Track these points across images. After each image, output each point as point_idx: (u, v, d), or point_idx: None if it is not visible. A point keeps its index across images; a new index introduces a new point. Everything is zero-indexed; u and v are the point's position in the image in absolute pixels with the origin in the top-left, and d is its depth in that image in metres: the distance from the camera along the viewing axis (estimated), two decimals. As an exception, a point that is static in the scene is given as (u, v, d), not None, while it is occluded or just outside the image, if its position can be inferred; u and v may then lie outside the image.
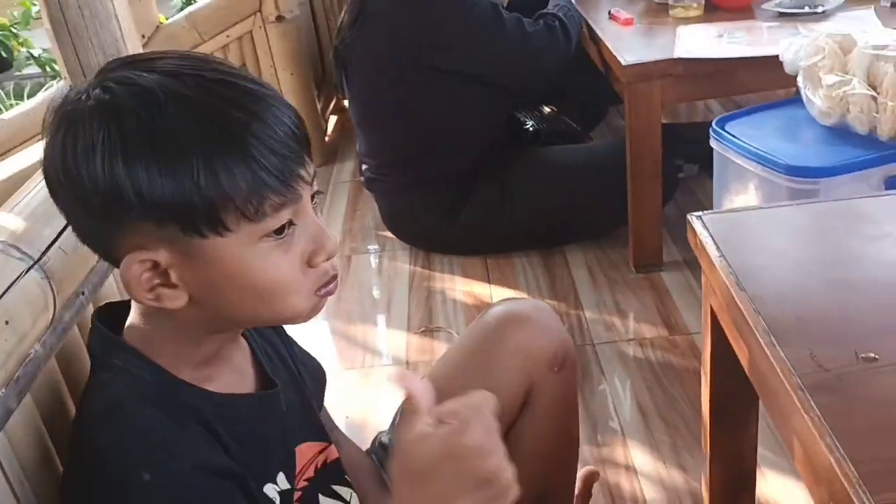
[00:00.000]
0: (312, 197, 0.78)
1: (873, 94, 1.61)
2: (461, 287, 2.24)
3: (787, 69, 1.77)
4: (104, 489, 0.73)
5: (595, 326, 2.02)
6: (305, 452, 0.91)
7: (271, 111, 0.72)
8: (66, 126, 0.71)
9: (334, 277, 0.80)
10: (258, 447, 0.83)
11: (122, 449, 0.73)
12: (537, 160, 2.34)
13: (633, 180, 2.09)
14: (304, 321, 0.82)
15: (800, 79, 1.74)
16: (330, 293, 0.80)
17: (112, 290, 1.09)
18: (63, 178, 0.71)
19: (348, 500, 0.94)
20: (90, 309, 1.02)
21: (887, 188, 1.60)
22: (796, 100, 1.80)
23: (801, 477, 1.43)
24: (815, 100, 1.69)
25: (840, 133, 1.69)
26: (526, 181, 2.28)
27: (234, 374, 0.85)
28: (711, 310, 1.19)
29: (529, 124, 2.48)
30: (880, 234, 1.10)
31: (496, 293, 2.19)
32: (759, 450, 1.37)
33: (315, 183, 0.78)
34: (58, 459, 0.90)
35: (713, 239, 1.10)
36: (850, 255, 1.07)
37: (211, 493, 0.73)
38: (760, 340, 0.91)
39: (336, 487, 0.93)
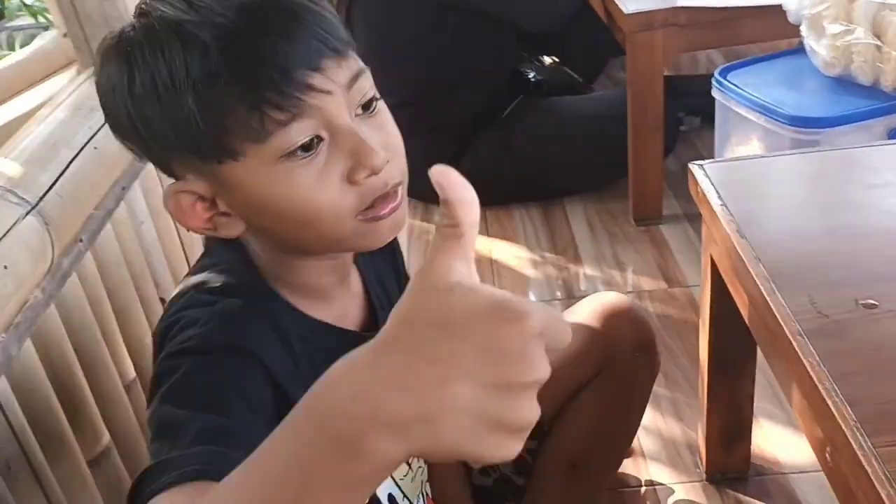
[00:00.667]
0: (368, 105, 0.72)
1: (878, 43, 1.59)
2: (460, 240, 2.24)
3: (791, 18, 1.74)
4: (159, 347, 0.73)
5: (594, 279, 2.02)
6: None
7: (288, 24, 0.67)
8: (100, 63, 0.73)
9: (386, 197, 0.72)
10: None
11: (177, 317, 0.72)
12: (539, 111, 2.32)
13: (634, 132, 2.08)
14: (367, 248, 0.77)
15: (804, 28, 1.71)
16: (380, 216, 0.72)
17: (111, 237, 1.09)
18: (104, 112, 0.75)
19: (409, 462, 0.91)
20: (89, 256, 1.02)
21: (890, 139, 1.59)
22: (800, 50, 1.78)
23: (796, 427, 1.45)
24: (819, 49, 1.67)
25: (843, 83, 1.67)
26: (527, 132, 2.26)
27: (334, 311, 0.81)
28: (711, 259, 1.19)
29: (531, 75, 2.45)
30: (881, 183, 1.10)
31: (495, 246, 2.19)
32: (756, 401, 1.38)
33: (358, 85, 0.70)
34: (59, 406, 0.91)
35: (714, 187, 1.10)
36: (850, 204, 1.07)
37: (238, 372, 0.69)
38: (761, 287, 0.91)
39: None
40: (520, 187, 2.30)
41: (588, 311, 1.11)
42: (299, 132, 0.67)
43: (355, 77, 0.70)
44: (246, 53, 0.66)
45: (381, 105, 0.74)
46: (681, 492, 1.43)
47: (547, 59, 2.56)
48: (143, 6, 0.71)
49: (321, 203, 0.70)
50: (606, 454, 1.21)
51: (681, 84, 2.49)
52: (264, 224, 0.74)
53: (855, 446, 0.69)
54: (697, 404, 1.43)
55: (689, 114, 2.49)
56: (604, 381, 1.10)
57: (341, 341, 0.79)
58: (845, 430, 0.71)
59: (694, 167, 1.15)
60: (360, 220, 0.72)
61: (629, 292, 1.95)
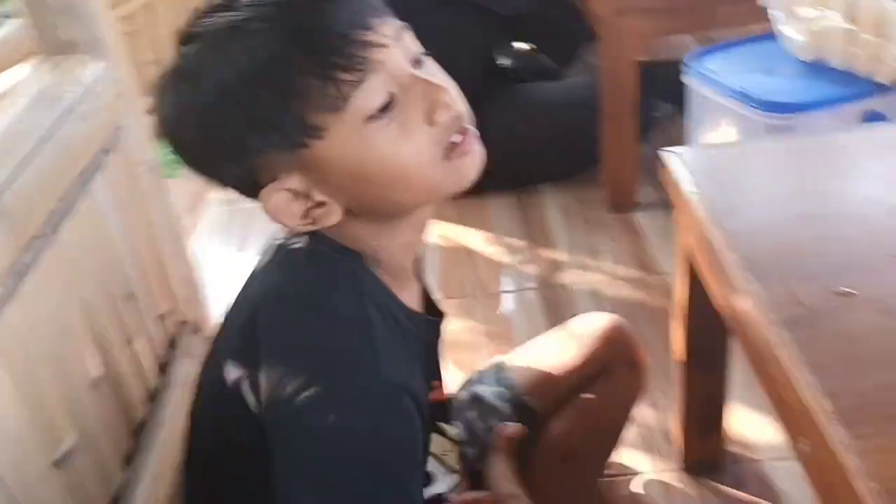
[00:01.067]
0: (418, 61, 0.75)
1: (852, 28, 1.58)
2: (434, 229, 2.22)
3: (765, 2, 1.74)
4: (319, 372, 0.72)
5: (569, 267, 2.01)
6: (435, 386, 0.92)
7: None
8: (159, 99, 0.74)
9: (463, 132, 0.75)
10: (420, 366, 0.83)
11: (346, 340, 0.73)
12: (514, 98, 2.30)
13: (607, 119, 2.06)
14: (457, 189, 0.79)
15: (778, 12, 1.71)
16: (464, 151, 0.75)
17: (74, 231, 1.06)
18: (177, 149, 0.75)
19: (451, 437, 0.97)
20: (51, 251, 0.99)
21: (864, 123, 1.59)
22: (773, 34, 1.77)
23: (770, 414, 1.44)
24: (793, 34, 1.67)
25: (817, 68, 1.67)
26: (501, 119, 2.24)
27: (414, 294, 0.85)
28: (685, 247, 1.18)
29: (505, 62, 2.44)
30: (856, 169, 1.09)
31: (470, 235, 2.17)
32: (732, 388, 1.38)
33: (405, 41, 0.74)
34: (22, 405, 0.88)
35: (687, 175, 1.09)
36: (826, 190, 1.06)
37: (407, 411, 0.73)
38: (735, 277, 0.90)
39: (442, 424, 0.95)
40: (494, 175, 2.22)
41: (585, 329, 1.19)
42: (372, 91, 0.70)
43: (400, 32, 0.74)
44: (303, 28, 0.69)
45: (429, 59, 0.78)
46: (657, 479, 1.43)
47: (522, 46, 2.55)
48: (186, 32, 0.73)
49: (412, 155, 0.73)
50: (596, 451, 1.26)
51: (654, 70, 2.48)
52: (362, 198, 0.75)
53: (833, 439, 0.68)
54: (672, 391, 1.43)
55: (664, 99, 2.48)
56: (597, 389, 1.17)
57: (425, 328, 0.85)
58: (823, 422, 0.70)
59: (665, 154, 1.13)
60: (446, 161, 0.75)
61: (604, 280, 1.95)
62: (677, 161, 1.12)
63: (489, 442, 1.11)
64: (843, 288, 0.85)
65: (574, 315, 1.63)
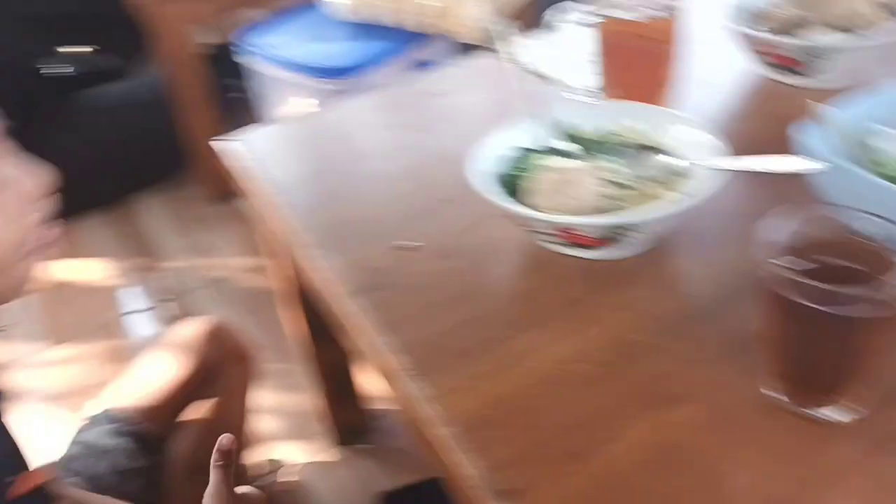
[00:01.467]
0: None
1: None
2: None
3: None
4: None
5: (185, 271, 1.92)
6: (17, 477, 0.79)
7: None
8: None
9: (48, 234, 0.69)
10: None
11: None
12: (76, 107, 2.12)
13: (182, 110, 1.98)
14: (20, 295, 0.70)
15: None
16: (43, 256, 0.69)
17: None
18: None
19: None
20: None
21: (417, 70, 1.67)
22: (320, 2, 1.80)
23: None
24: (337, -2, 1.70)
25: (368, 28, 1.72)
26: (65, 132, 2.05)
27: None
28: (264, 232, 1.16)
29: (63, 69, 2.24)
30: (406, 122, 1.13)
31: (72, 268, 1.99)
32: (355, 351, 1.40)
33: None
34: None
35: (244, 160, 1.06)
36: (384, 148, 1.08)
37: None
38: (304, 254, 0.89)
39: None
40: (79, 197, 2.09)
41: (185, 338, 1.15)
42: None
43: None
44: None
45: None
46: (311, 462, 1.43)
47: (78, 49, 2.35)
48: None
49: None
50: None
51: (221, 50, 2.42)
52: None
53: (411, 393, 0.70)
54: (306, 373, 1.42)
55: (237, 78, 2.44)
56: (206, 391, 1.14)
57: None
58: (401, 378, 0.71)
59: (217, 143, 1.09)
60: (23, 254, 0.68)
61: (223, 274, 1.89)
62: (231, 147, 1.08)
63: (116, 482, 1.03)
64: (408, 242, 0.87)
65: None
